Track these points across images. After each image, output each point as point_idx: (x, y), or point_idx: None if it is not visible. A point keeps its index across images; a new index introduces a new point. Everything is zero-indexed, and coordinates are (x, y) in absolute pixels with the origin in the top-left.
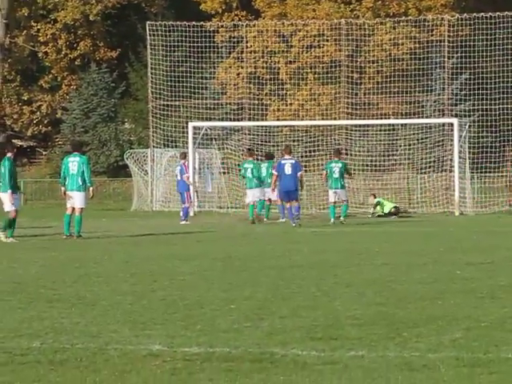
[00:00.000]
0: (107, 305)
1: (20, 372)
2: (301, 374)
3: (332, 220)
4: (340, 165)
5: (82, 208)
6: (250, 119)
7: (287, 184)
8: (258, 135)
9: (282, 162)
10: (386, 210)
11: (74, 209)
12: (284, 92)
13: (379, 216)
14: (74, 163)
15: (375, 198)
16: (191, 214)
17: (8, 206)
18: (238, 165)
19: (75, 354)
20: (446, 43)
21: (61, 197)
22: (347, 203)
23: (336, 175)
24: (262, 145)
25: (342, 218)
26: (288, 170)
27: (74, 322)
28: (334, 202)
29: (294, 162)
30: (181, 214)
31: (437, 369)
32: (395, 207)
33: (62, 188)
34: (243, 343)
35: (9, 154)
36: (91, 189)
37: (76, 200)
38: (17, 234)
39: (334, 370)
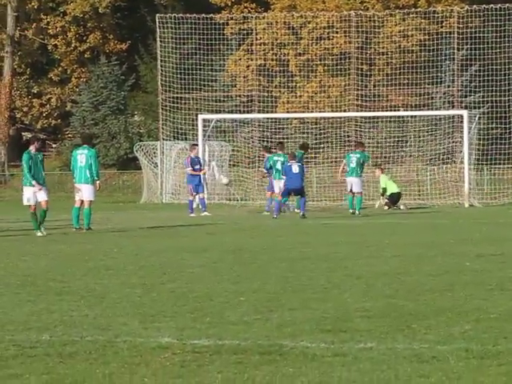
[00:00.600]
0: (116, 297)
1: (29, 365)
2: (310, 365)
3: (350, 210)
4: (358, 155)
5: (90, 201)
6: (259, 111)
7: (295, 182)
8: (267, 127)
9: (288, 164)
10: (389, 192)
11: (82, 201)
12: (294, 84)
13: (387, 204)
14: (82, 155)
15: (382, 172)
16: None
17: (24, 200)
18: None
19: (84, 346)
20: (456, 35)
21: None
22: (361, 195)
23: (353, 165)
24: (271, 137)
25: (356, 212)
26: (295, 169)
27: (83, 314)
28: (351, 191)
29: (300, 164)
30: (195, 205)
31: (446, 360)
32: (398, 193)
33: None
34: (252, 335)
35: (30, 147)
36: (98, 182)
37: (84, 192)
38: (26, 226)
39: (343, 362)
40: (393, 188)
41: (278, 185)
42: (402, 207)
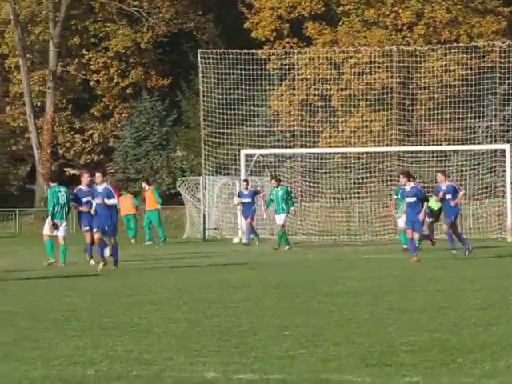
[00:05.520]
0: (161, 332)
1: None
2: None
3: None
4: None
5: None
6: (301, 146)
7: None
8: (309, 162)
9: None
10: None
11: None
12: (336, 119)
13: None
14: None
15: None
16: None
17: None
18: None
19: (130, 381)
20: (498, 69)
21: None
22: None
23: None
24: (313, 172)
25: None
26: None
27: (128, 349)
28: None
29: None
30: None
31: None
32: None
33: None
34: (298, 370)
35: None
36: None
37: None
38: (69, 262)
39: None
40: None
41: (280, 218)
42: (453, 252)
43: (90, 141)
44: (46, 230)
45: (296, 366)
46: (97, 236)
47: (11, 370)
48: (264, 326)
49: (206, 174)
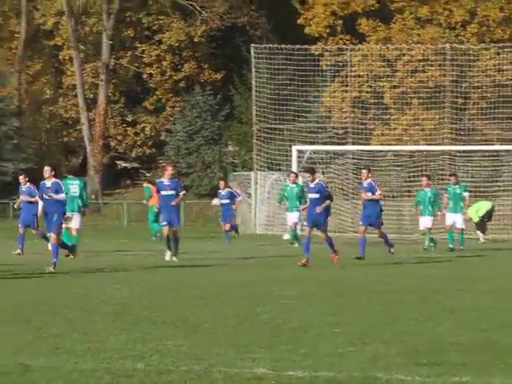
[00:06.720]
0: (211, 327)
1: None
2: None
3: (450, 246)
4: (458, 189)
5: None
6: (353, 143)
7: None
8: (361, 159)
9: None
10: (481, 214)
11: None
12: (388, 116)
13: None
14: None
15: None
16: (285, 237)
17: None
18: (353, 189)
19: (180, 376)
20: None
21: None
22: (463, 231)
23: (457, 198)
24: (365, 169)
25: (461, 247)
26: None
27: (177, 344)
28: (451, 226)
29: None
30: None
31: None
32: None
33: None
34: (347, 367)
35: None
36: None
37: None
38: (117, 254)
39: None
40: (485, 207)
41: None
42: (481, 240)
43: (142, 134)
44: None
45: (345, 364)
46: (53, 236)
47: (61, 362)
48: (314, 323)
49: (257, 170)
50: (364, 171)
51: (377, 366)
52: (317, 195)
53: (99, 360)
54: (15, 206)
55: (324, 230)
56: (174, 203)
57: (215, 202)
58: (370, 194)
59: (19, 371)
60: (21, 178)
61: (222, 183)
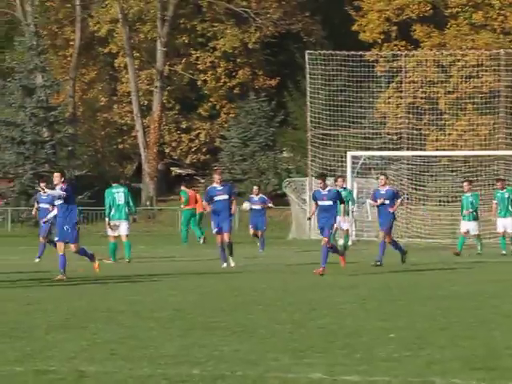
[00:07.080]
0: (266, 333)
1: None
2: None
3: (503, 251)
4: (507, 193)
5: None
6: (408, 149)
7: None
8: (416, 165)
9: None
10: None
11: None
12: (443, 122)
13: None
14: (119, 194)
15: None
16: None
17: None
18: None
19: (235, 381)
20: None
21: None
22: None
23: (505, 203)
24: (420, 175)
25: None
26: None
27: (233, 349)
28: (503, 233)
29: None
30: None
31: None
32: None
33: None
34: (403, 372)
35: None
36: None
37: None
38: (174, 259)
39: None
40: None
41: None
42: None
43: (197, 140)
44: (109, 231)
45: (401, 369)
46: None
47: (116, 368)
48: (368, 327)
49: (312, 176)
50: (382, 177)
51: (432, 371)
52: (330, 202)
53: (155, 366)
54: (33, 212)
55: (327, 235)
56: (232, 212)
57: (245, 206)
58: (387, 202)
59: (74, 377)
60: (42, 185)
61: (255, 188)
